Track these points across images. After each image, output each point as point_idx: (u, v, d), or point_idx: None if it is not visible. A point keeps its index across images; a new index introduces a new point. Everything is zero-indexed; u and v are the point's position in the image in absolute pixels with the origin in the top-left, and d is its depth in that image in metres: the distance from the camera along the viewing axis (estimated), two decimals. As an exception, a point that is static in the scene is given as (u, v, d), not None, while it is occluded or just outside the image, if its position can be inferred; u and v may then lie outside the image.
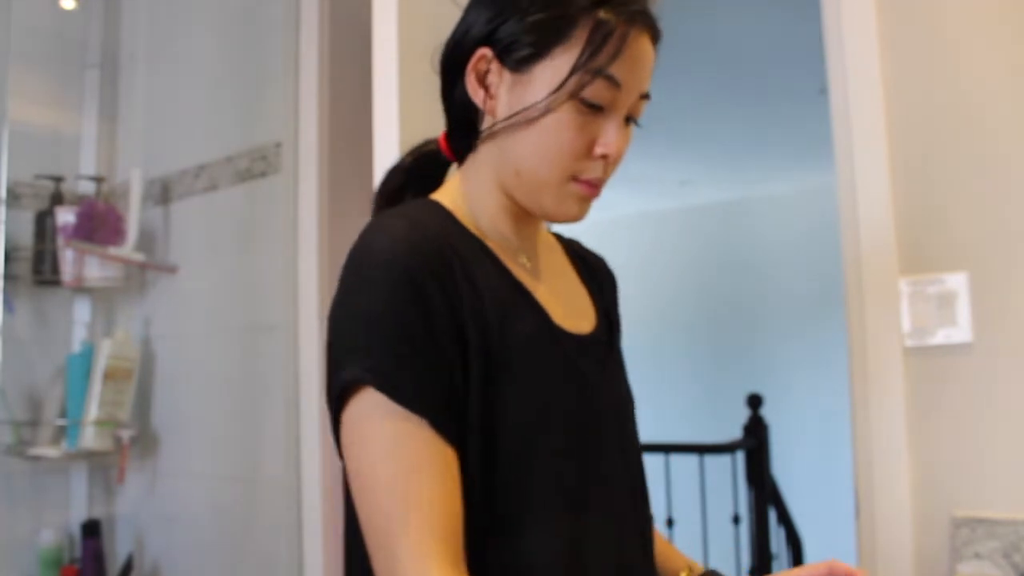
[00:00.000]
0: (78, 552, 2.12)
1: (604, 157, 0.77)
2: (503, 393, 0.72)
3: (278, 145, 2.02)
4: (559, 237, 0.97)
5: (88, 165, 2.33)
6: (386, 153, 1.27)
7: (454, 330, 0.70)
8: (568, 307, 0.85)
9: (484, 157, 0.82)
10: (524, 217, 0.83)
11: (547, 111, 0.74)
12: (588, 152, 0.76)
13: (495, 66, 0.78)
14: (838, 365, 1.62)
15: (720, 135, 4.33)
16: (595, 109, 0.75)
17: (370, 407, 0.67)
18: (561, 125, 0.75)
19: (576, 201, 0.79)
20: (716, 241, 5.71)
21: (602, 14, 0.74)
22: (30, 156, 2.16)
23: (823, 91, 1.50)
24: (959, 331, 1.28)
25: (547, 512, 0.75)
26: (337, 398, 0.70)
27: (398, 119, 1.26)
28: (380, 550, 0.66)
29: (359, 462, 0.68)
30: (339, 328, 0.71)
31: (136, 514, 2.22)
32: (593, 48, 0.73)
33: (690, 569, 0.91)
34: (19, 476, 2.11)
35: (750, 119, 4.06)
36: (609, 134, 0.76)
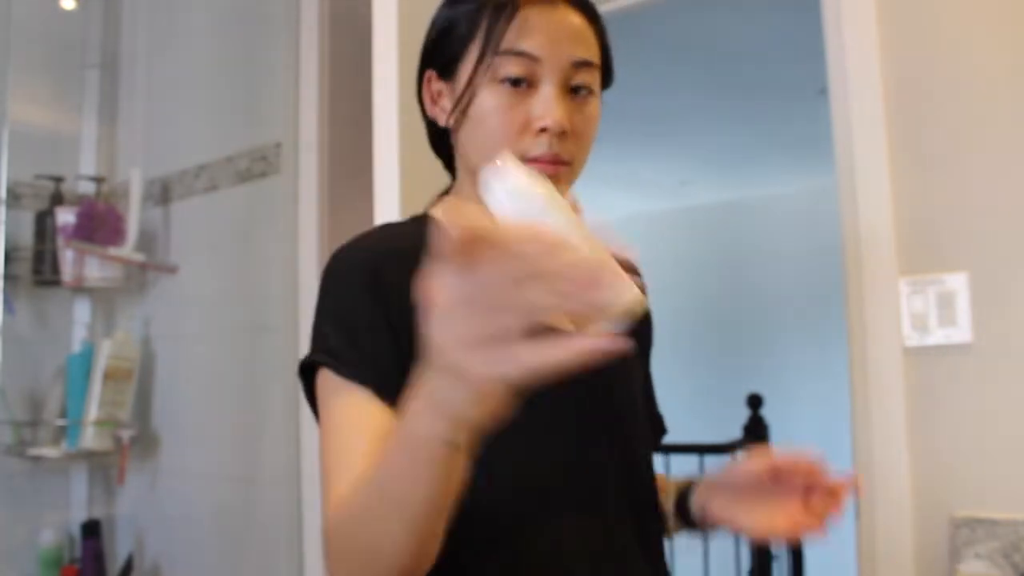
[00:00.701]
0: (78, 552, 2.12)
1: (543, 131, 0.77)
2: None
3: (278, 145, 2.02)
4: None
5: (88, 165, 2.33)
6: (386, 153, 1.27)
7: (405, 321, 0.72)
8: None
9: (460, 170, 0.86)
10: None
11: (471, 99, 0.78)
12: (527, 129, 0.78)
13: (438, 83, 0.83)
14: (838, 365, 1.62)
15: (720, 135, 4.33)
16: (517, 85, 0.77)
17: (325, 385, 0.74)
18: (488, 109, 0.78)
19: None
20: (716, 241, 5.70)
21: None
22: (30, 156, 2.17)
23: (823, 91, 1.50)
24: (959, 331, 1.28)
25: (520, 503, 0.77)
26: (304, 381, 0.77)
27: (398, 119, 1.26)
28: (321, 499, 0.71)
29: (320, 431, 0.74)
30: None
31: (136, 514, 2.22)
32: (489, 29, 0.77)
33: (678, 490, 0.93)
34: (19, 476, 2.11)
35: (750, 119, 4.06)
36: (538, 105, 0.77)
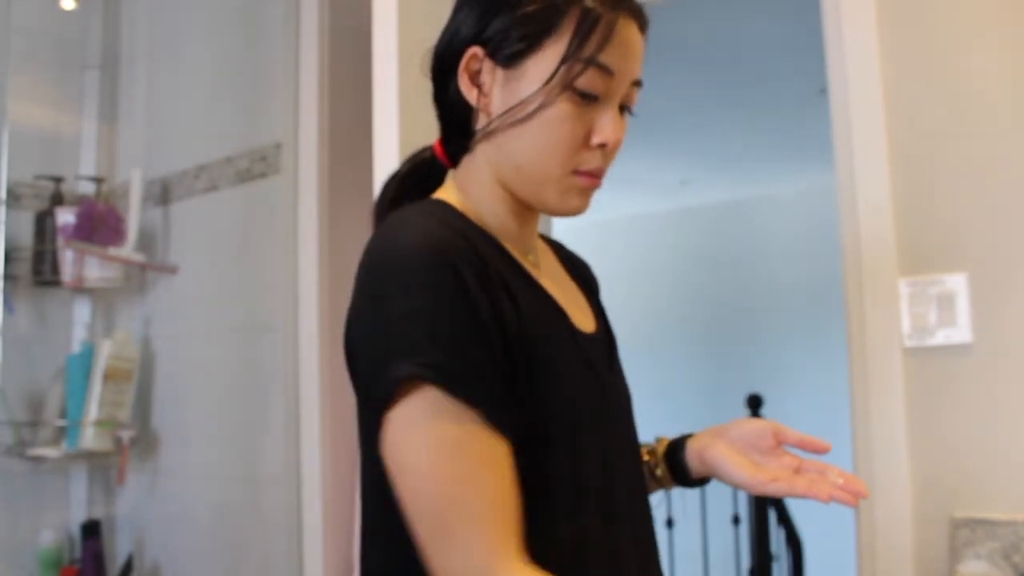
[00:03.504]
0: (78, 552, 2.12)
1: (602, 146, 0.76)
2: (539, 389, 0.72)
3: (278, 146, 2.02)
4: (544, 239, 0.96)
5: (88, 165, 2.33)
6: (386, 153, 1.27)
7: (496, 320, 0.69)
8: (573, 307, 0.85)
9: (481, 157, 0.81)
10: (526, 216, 0.83)
11: (543, 104, 0.74)
12: (586, 143, 0.76)
13: (487, 64, 0.77)
14: (838, 366, 1.62)
15: (720, 135, 4.33)
16: (589, 99, 0.75)
17: (427, 404, 0.66)
18: (558, 117, 0.74)
19: (578, 194, 0.78)
20: (716, 241, 5.70)
21: (588, 3, 0.74)
22: (30, 156, 2.17)
23: (823, 91, 1.50)
24: (959, 331, 1.28)
25: (581, 506, 0.75)
26: (387, 397, 0.67)
27: (398, 119, 1.27)
28: (446, 545, 0.65)
29: (416, 459, 0.66)
30: (374, 329, 0.69)
31: (136, 514, 2.22)
32: (581, 37, 0.73)
33: (652, 452, 0.93)
34: (19, 476, 2.11)
35: (750, 119, 4.06)
36: (605, 123, 0.76)
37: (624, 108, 0.79)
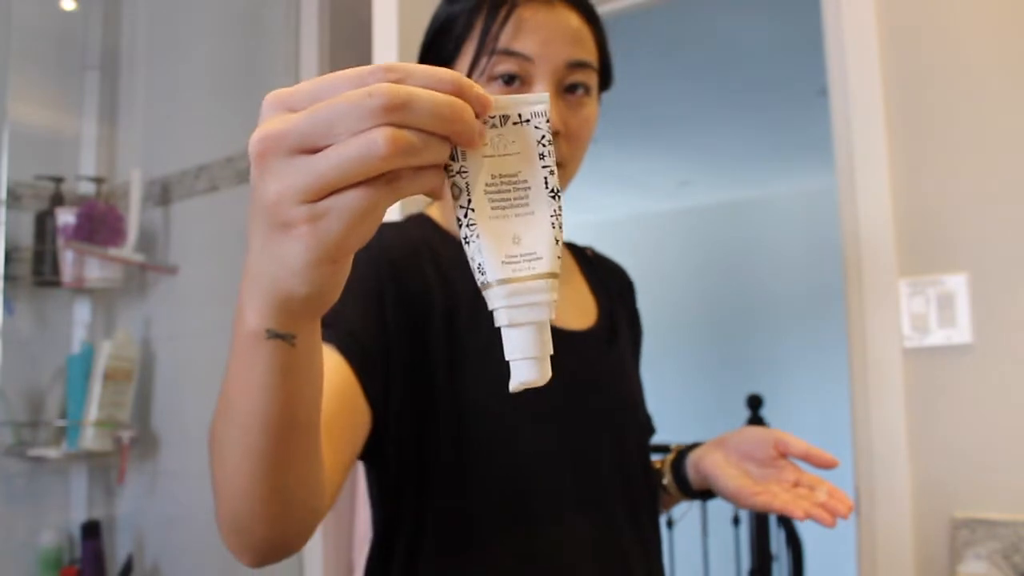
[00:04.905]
0: (78, 553, 2.12)
1: None
2: (470, 381, 0.75)
3: (278, 146, 2.02)
4: (570, 246, 0.98)
5: (88, 166, 2.33)
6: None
7: (400, 303, 0.74)
8: (560, 303, 0.85)
9: None
10: None
11: None
12: None
13: None
14: (838, 366, 1.62)
15: (720, 136, 4.33)
16: (511, 83, 0.77)
17: None
18: None
19: None
20: (716, 242, 5.70)
21: None
22: (30, 156, 2.16)
23: (823, 92, 1.50)
24: (959, 332, 1.28)
25: (521, 500, 0.76)
26: None
27: (398, 120, 1.27)
28: None
29: None
30: None
31: (136, 514, 2.22)
32: (485, 28, 0.77)
33: (666, 463, 0.92)
34: (19, 476, 2.11)
35: (750, 120, 4.06)
36: None
37: (576, 88, 0.79)
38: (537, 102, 0.41)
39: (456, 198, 0.40)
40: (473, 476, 0.75)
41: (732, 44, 3.12)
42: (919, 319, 1.31)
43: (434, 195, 0.39)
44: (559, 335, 0.82)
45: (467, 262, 0.41)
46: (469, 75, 0.77)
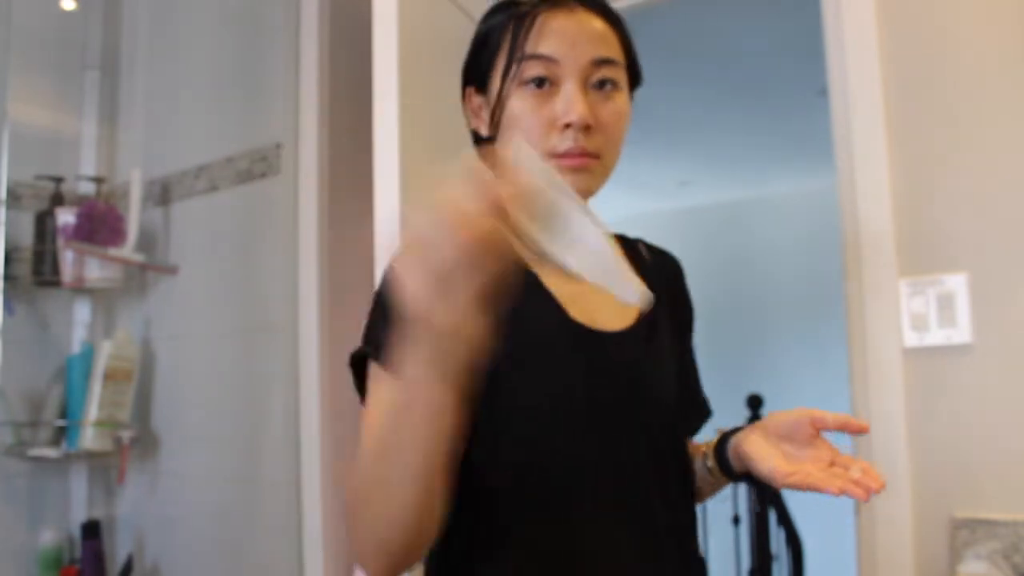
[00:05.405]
0: (78, 552, 2.12)
1: (568, 126, 0.82)
2: (505, 374, 0.77)
3: (278, 146, 2.02)
4: (621, 238, 1.01)
5: (88, 166, 2.33)
6: (386, 153, 1.27)
7: None
8: (600, 305, 0.87)
9: None
10: None
11: (503, 104, 0.84)
12: (554, 126, 0.82)
13: (477, 97, 0.90)
14: (838, 366, 1.62)
15: (720, 136, 4.33)
16: (541, 86, 0.83)
17: (371, 373, 0.79)
18: (517, 112, 0.84)
19: (563, 175, 0.82)
20: (716, 242, 5.70)
21: (517, 10, 0.85)
22: (30, 156, 2.16)
23: (823, 92, 1.50)
24: (959, 331, 1.28)
25: (555, 496, 0.79)
26: (353, 371, 0.81)
27: (398, 119, 1.26)
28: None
29: (365, 414, 0.79)
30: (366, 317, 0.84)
31: (136, 514, 2.22)
32: (512, 38, 0.84)
33: (710, 446, 0.93)
34: (19, 476, 2.11)
35: (750, 120, 4.06)
36: (561, 103, 0.82)
37: (604, 84, 0.84)
38: (516, 151, 0.52)
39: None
40: (511, 475, 0.79)
41: (732, 44, 3.12)
42: (919, 319, 1.31)
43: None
44: (597, 337, 0.85)
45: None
46: (502, 82, 0.84)
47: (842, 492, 0.74)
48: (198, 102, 2.23)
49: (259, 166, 2.06)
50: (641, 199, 5.64)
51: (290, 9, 2.03)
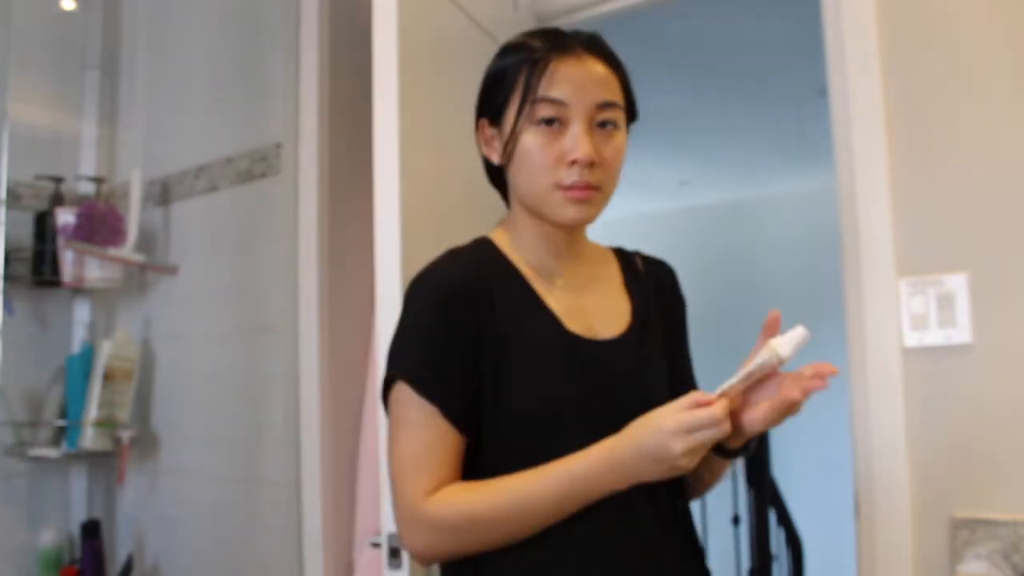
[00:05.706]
0: (78, 552, 2.12)
1: (574, 162, 0.91)
2: (507, 387, 0.90)
3: (278, 146, 2.02)
4: (618, 251, 1.10)
5: (88, 166, 2.33)
6: (386, 153, 1.27)
7: (474, 340, 0.90)
8: (595, 316, 0.98)
9: (512, 197, 1.01)
10: (561, 237, 0.99)
11: (517, 139, 0.94)
12: (562, 162, 0.92)
13: (490, 129, 0.99)
14: (838, 365, 1.62)
15: (719, 136, 4.33)
16: (551, 124, 0.92)
17: (400, 395, 0.90)
18: (529, 147, 0.93)
19: (568, 205, 0.93)
20: (715, 242, 5.70)
21: (532, 54, 0.94)
22: (30, 157, 2.16)
23: (822, 92, 1.50)
24: (959, 331, 1.28)
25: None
26: (383, 390, 0.93)
27: (398, 119, 1.26)
28: (394, 492, 0.90)
29: (390, 430, 0.92)
30: (392, 339, 0.94)
31: (136, 514, 2.22)
32: (527, 81, 0.93)
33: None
34: (19, 476, 2.11)
35: (749, 120, 4.06)
36: (569, 142, 0.92)
37: (606, 124, 0.94)
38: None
39: None
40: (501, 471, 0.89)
41: (732, 44, 3.12)
42: (919, 319, 1.31)
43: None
44: (589, 345, 0.94)
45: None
46: (516, 119, 0.93)
47: (805, 393, 0.85)
48: (198, 102, 2.23)
49: (259, 166, 2.06)
50: (641, 199, 5.64)
51: (290, 9, 2.03)
